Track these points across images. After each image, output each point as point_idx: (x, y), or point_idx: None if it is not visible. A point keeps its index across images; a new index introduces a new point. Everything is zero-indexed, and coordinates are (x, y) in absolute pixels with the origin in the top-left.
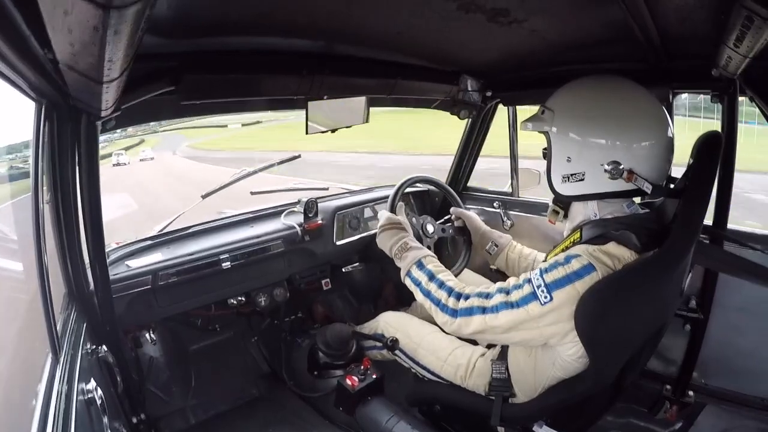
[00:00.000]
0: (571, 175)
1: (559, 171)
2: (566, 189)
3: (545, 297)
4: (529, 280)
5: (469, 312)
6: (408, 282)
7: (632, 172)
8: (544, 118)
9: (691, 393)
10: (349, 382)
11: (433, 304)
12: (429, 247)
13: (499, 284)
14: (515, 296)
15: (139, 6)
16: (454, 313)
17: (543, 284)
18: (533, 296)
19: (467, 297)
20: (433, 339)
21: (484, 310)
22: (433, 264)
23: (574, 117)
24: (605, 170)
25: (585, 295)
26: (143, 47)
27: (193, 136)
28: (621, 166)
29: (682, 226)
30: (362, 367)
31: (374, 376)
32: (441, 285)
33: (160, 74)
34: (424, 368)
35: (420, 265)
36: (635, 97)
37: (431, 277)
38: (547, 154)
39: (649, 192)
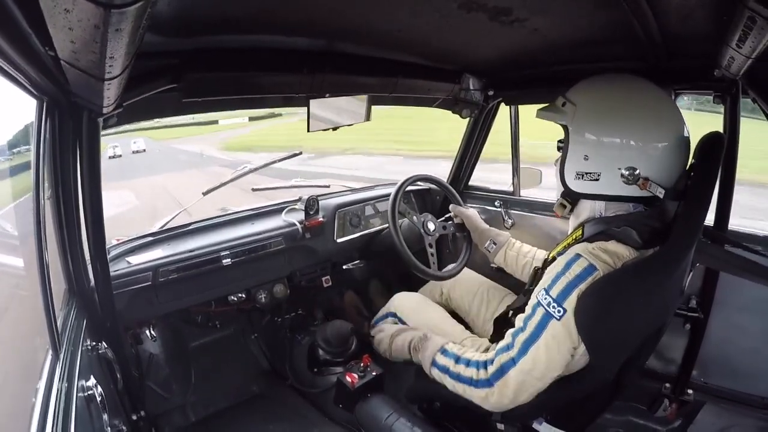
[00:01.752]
0: (586, 173)
1: (574, 167)
2: (578, 186)
3: (558, 311)
4: (538, 303)
5: (501, 372)
6: (435, 372)
7: (647, 179)
8: (565, 111)
9: (690, 391)
10: (348, 379)
11: (466, 385)
12: (430, 245)
13: (510, 330)
14: (531, 327)
15: (140, 4)
16: (488, 383)
17: (551, 300)
18: (548, 316)
19: (492, 360)
20: (445, 325)
21: (513, 361)
22: (456, 347)
23: (597, 116)
24: (621, 174)
25: (586, 292)
26: (145, 45)
27: (162, 137)
28: (637, 172)
29: (684, 226)
30: (362, 364)
31: (374, 374)
32: (468, 363)
33: (161, 72)
34: None
35: (444, 351)
36: (657, 99)
37: (457, 359)
38: (563, 147)
39: (662, 197)
